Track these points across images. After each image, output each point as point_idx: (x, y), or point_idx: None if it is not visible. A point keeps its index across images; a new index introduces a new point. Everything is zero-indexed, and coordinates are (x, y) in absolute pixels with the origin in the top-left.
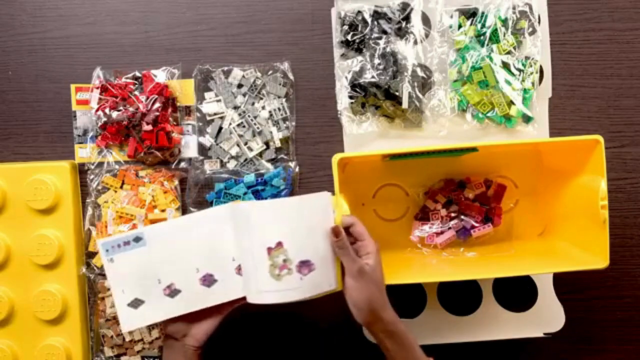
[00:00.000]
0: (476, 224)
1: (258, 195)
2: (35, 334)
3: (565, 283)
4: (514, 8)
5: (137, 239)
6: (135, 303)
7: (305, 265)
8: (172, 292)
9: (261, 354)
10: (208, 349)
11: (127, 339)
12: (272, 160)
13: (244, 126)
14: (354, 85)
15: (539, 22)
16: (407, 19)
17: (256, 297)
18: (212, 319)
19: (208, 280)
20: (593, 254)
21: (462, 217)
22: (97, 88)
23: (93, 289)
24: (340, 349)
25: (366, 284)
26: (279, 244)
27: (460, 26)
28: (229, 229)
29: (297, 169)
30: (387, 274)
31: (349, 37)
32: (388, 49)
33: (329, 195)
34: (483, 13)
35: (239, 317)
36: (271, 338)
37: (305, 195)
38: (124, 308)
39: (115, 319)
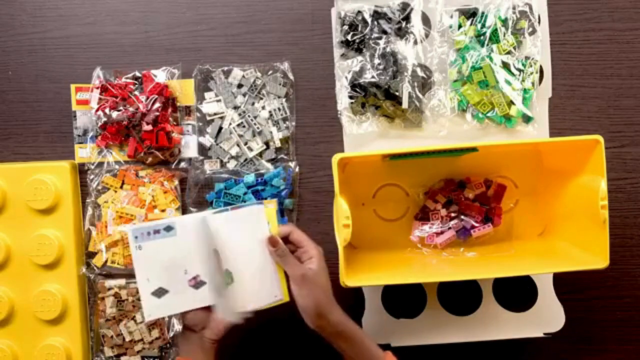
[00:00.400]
0: (476, 224)
1: (258, 195)
2: (35, 334)
3: (565, 283)
4: (514, 8)
5: (168, 228)
6: (160, 292)
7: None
8: (197, 283)
9: (262, 354)
10: (225, 349)
11: (127, 339)
12: (272, 160)
13: (244, 126)
14: (354, 85)
15: (539, 22)
16: (407, 19)
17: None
18: None
19: None
20: (593, 254)
21: (462, 217)
22: (97, 88)
23: (93, 289)
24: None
25: (311, 289)
26: (219, 258)
27: (460, 26)
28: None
29: (297, 169)
30: (387, 274)
31: (349, 37)
32: (388, 49)
33: (261, 208)
34: (483, 13)
35: (255, 316)
36: (272, 337)
37: (238, 209)
38: (148, 296)
39: (115, 319)
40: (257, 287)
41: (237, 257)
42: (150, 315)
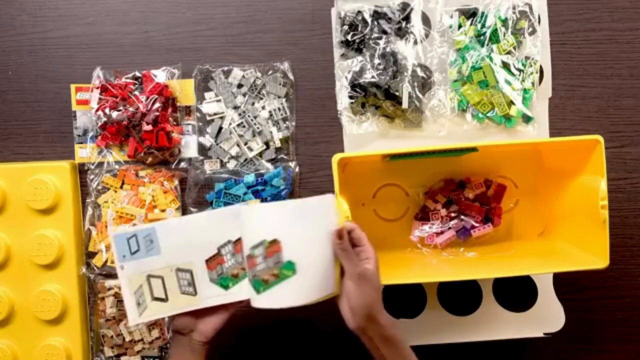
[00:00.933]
0: (476, 224)
1: (258, 195)
2: (35, 334)
3: (565, 283)
4: (514, 8)
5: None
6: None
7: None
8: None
9: (255, 355)
10: (214, 350)
11: (127, 339)
12: (272, 160)
13: (244, 126)
14: (354, 85)
15: (539, 22)
16: (407, 19)
17: (256, 301)
18: (220, 314)
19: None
20: (593, 254)
21: (462, 217)
22: (97, 88)
23: (93, 289)
24: (345, 352)
25: (366, 288)
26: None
27: (460, 26)
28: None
29: (297, 169)
30: (387, 274)
31: (349, 37)
32: (388, 49)
33: (332, 197)
34: (483, 13)
35: (245, 317)
36: (276, 340)
37: (308, 198)
38: (133, 303)
39: (115, 319)
40: (318, 279)
41: (302, 248)
42: (134, 320)
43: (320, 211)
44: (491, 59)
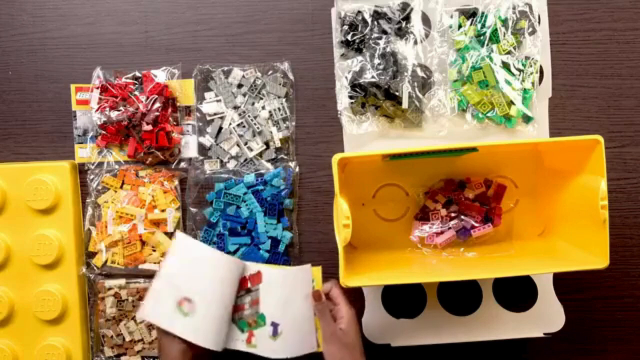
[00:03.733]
0: (476, 224)
1: (258, 195)
2: (35, 334)
3: (565, 283)
4: (514, 8)
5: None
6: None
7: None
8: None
9: None
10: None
11: (127, 339)
12: (272, 160)
13: (244, 126)
14: (354, 85)
15: (539, 22)
16: (407, 19)
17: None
18: None
19: None
20: (593, 254)
21: (462, 217)
22: (97, 88)
23: (93, 289)
24: None
25: (338, 347)
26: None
27: (460, 26)
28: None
29: (297, 169)
30: (387, 274)
31: (349, 37)
32: (388, 49)
33: (309, 268)
34: (483, 13)
35: None
36: None
37: (289, 268)
38: (153, 299)
39: (115, 319)
40: (299, 337)
41: (284, 310)
42: (143, 317)
43: (298, 278)
44: (491, 59)
